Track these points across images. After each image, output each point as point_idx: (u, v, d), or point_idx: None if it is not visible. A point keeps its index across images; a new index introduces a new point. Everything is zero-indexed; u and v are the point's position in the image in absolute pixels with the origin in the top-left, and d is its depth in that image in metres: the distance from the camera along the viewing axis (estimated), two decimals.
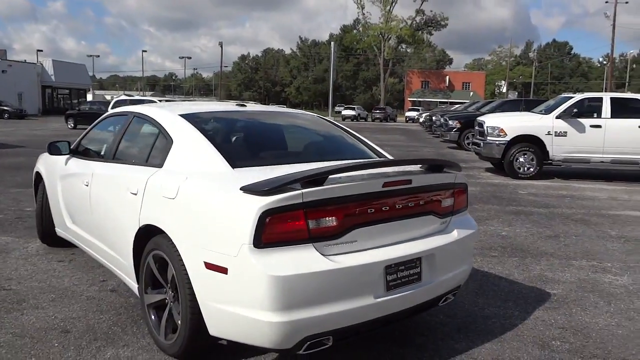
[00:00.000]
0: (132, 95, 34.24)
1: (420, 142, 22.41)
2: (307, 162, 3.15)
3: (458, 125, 17.84)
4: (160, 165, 3.19)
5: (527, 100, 20.18)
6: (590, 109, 11.29)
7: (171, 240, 2.84)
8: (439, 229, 3.09)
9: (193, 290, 2.71)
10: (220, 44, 49.90)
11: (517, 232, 6.40)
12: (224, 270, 2.51)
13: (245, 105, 4.08)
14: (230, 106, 3.97)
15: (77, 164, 4.27)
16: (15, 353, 3.03)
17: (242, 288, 2.46)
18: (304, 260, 2.45)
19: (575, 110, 11.12)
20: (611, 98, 11.38)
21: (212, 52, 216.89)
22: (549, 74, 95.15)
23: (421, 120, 32.22)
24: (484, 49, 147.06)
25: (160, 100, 21.56)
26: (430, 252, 2.90)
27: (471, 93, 69.17)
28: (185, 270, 2.74)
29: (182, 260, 2.75)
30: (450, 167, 3.17)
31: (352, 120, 50.03)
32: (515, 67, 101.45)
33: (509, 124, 11.44)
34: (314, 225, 2.49)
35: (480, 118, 12.61)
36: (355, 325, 2.63)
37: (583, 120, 11.10)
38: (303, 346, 2.51)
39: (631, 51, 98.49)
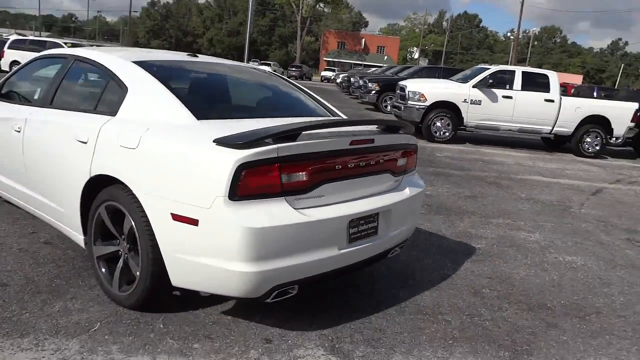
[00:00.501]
0: (25, 35, 31.30)
1: (339, 103, 22.63)
2: (269, 117, 3.16)
3: (377, 88, 18.22)
4: (112, 114, 3.04)
5: (444, 68, 20.94)
6: (503, 80, 12.01)
7: (130, 191, 2.76)
8: (393, 186, 3.24)
9: (156, 242, 2.67)
10: None
11: (440, 192, 6.79)
12: (193, 222, 2.49)
13: (197, 56, 3.94)
14: (181, 56, 3.81)
15: (7, 109, 3.93)
16: None
17: (213, 239, 2.46)
18: (277, 213, 2.49)
19: (490, 80, 11.79)
20: (522, 72, 12.16)
21: None
22: (459, 44, 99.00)
23: (338, 80, 32.43)
24: (398, 15, 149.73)
25: (66, 44, 19.90)
26: (387, 208, 3.05)
27: (385, 57, 70.44)
28: (147, 221, 2.68)
29: (143, 211, 2.69)
30: (405, 129, 3.31)
31: None
32: (428, 35, 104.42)
33: (430, 90, 11.90)
34: (287, 180, 2.54)
35: (402, 82, 12.98)
36: (319, 275, 2.74)
37: (496, 91, 11.80)
38: (271, 295, 2.59)
39: (534, 29, 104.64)
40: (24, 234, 3.98)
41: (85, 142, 3.02)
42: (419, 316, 3.25)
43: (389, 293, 3.53)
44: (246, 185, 2.42)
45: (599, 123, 11.98)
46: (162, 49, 69.34)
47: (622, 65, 75.49)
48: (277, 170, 2.49)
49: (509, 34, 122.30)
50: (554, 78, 12.06)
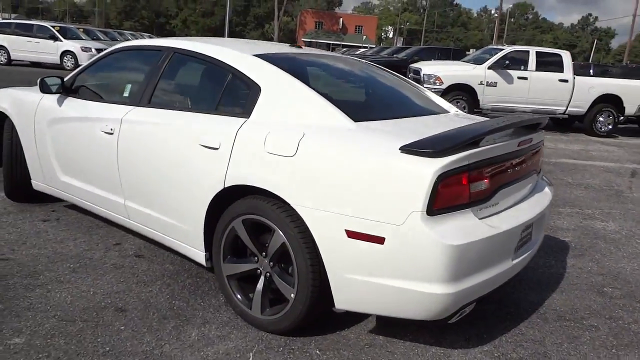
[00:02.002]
0: None
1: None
2: (408, 116, 2.91)
3: None
4: (244, 116, 2.73)
5: (442, 48, 20.74)
6: (518, 61, 11.85)
7: (281, 204, 2.48)
8: (538, 186, 3.04)
9: (318, 261, 2.41)
10: None
11: None
12: (378, 240, 2.23)
13: (302, 47, 3.62)
14: (285, 48, 3.48)
15: (85, 107, 3.56)
16: (79, 343, 2.52)
17: (403, 259, 2.21)
18: (469, 227, 2.26)
19: (506, 62, 11.62)
20: (536, 52, 12.02)
21: None
22: (436, 23, 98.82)
23: None
24: None
25: (54, 27, 18.95)
26: (543, 212, 2.85)
27: (364, 37, 69.85)
28: (307, 238, 2.42)
29: (301, 226, 2.42)
30: (543, 124, 3.10)
31: None
32: (402, 13, 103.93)
33: (446, 72, 11.68)
34: (473, 189, 2.30)
35: (415, 65, 12.74)
36: (493, 289, 2.52)
37: (512, 72, 11.66)
38: (455, 315, 2.36)
39: (509, 6, 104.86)
40: (109, 247, 3.65)
41: (216, 148, 2.70)
42: (565, 323, 3.06)
43: (518, 298, 3.34)
44: (442, 198, 2.18)
45: (611, 102, 11.97)
46: (134, 30, 67.45)
47: (595, 40, 76.42)
48: (466, 179, 2.26)
49: (480, 12, 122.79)
50: (567, 58, 11.98)
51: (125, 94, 3.49)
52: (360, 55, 24.57)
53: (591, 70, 14.35)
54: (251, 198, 2.63)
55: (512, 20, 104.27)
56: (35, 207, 4.33)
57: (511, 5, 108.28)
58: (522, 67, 11.80)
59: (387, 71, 3.81)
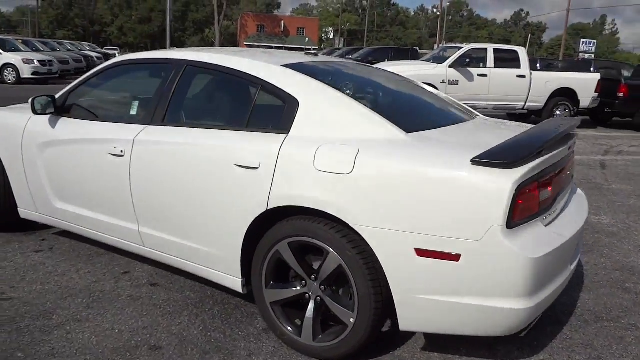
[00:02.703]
0: None
1: None
2: (453, 123, 2.85)
3: None
4: (283, 131, 2.55)
5: (395, 48, 20.99)
6: (477, 59, 12.11)
7: (333, 223, 2.34)
8: (574, 190, 3.03)
9: (381, 283, 2.29)
10: None
11: None
12: (452, 257, 2.12)
13: (317, 55, 3.47)
14: (306, 57, 3.31)
15: (84, 128, 3.27)
16: None
17: (481, 276, 2.11)
18: (542, 237, 2.21)
19: (467, 60, 11.84)
20: (494, 49, 12.31)
21: None
22: (375, 23, 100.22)
23: None
24: None
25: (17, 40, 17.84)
26: (589, 212, 2.84)
27: (307, 39, 69.80)
28: (368, 259, 2.28)
29: (360, 247, 2.29)
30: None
31: None
32: (342, 14, 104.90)
33: (410, 72, 11.73)
34: (542, 198, 2.24)
35: (378, 66, 12.76)
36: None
37: (472, 70, 11.89)
38: (527, 329, 2.29)
39: (447, 3, 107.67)
40: (118, 276, 3.37)
41: (256, 168, 2.51)
42: (605, 323, 3.06)
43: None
44: (520, 210, 2.10)
45: (566, 95, 12.42)
46: (69, 39, 64.95)
47: (529, 35, 79.77)
48: (536, 188, 2.19)
49: (417, 10, 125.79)
50: (523, 54, 12.33)
51: (133, 112, 3.23)
52: None
53: (538, 65, 14.88)
54: (298, 219, 2.46)
55: (450, 17, 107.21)
56: (22, 237, 3.97)
57: (448, 3, 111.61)
58: (482, 65, 12.06)
59: (405, 78, 3.72)
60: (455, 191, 2.11)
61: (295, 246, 2.49)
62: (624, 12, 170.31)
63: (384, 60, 16.92)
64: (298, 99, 2.58)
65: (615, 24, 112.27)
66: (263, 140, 2.55)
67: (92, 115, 3.46)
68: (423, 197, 2.16)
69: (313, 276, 2.51)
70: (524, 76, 12.11)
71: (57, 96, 3.49)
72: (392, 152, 2.28)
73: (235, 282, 2.74)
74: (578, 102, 12.46)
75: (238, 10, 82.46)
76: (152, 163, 2.90)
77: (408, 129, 2.43)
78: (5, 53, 17.61)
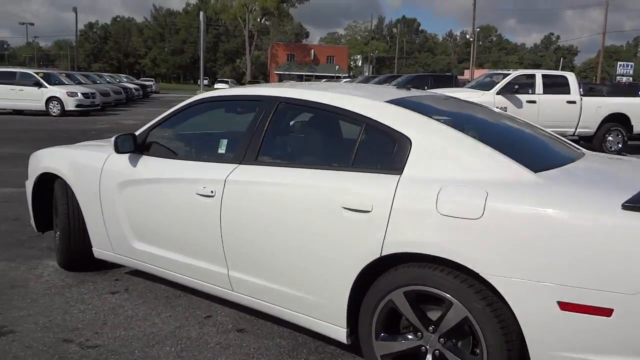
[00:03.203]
0: None
1: None
2: (571, 161, 2.66)
3: None
4: (395, 171, 2.39)
5: (434, 75, 20.88)
6: (525, 85, 11.86)
7: (457, 272, 2.15)
8: None
9: (515, 337, 2.08)
10: (75, 9, 44.37)
11: None
12: (603, 312, 1.90)
13: (410, 89, 3.33)
14: (400, 91, 3.16)
15: (169, 167, 3.17)
16: None
17: (637, 332, 1.89)
18: None
19: (515, 86, 11.61)
20: (542, 75, 12.06)
21: (46, 18, 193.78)
22: (404, 50, 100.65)
23: None
24: (334, 24, 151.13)
25: (38, 74, 18.37)
26: None
27: (337, 67, 70.68)
28: (500, 311, 2.08)
29: (494, 298, 2.09)
30: None
31: None
32: (370, 41, 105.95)
33: None
34: None
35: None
36: None
37: (520, 96, 11.64)
38: None
39: (477, 28, 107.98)
40: (201, 321, 3.22)
41: (367, 211, 2.35)
42: None
43: None
44: None
45: (618, 121, 12.03)
46: (104, 71, 67.10)
47: (562, 59, 78.98)
48: None
49: (445, 36, 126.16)
50: (573, 79, 12.04)
51: (221, 150, 3.12)
52: None
53: (580, 90, 14.52)
54: (416, 266, 2.27)
55: (479, 43, 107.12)
56: (94, 277, 3.88)
57: (478, 29, 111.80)
58: (530, 91, 11.80)
59: (501, 112, 3.55)
60: (607, 239, 1.90)
61: (412, 295, 2.30)
62: None
63: (424, 88, 16.79)
64: (410, 137, 2.42)
65: None
66: (374, 181, 2.39)
67: (175, 153, 3.37)
68: (567, 245, 1.95)
69: (431, 327, 2.31)
70: (574, 102, 11.79)
71: (137, 134, 3.42)
72: (527, 195, 2.08)
73: (338, 331, 2.56)
74: (631, 127, 12.05)
75: (267, 40, 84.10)
76: (247, 204, 2.76)
77: (534, 169, 2.24)
78: (51, 86, 18.11)
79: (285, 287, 2.70)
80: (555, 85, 11.94)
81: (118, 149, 3.27)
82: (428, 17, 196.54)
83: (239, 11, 67.96)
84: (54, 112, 17.89)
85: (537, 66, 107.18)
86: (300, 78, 65.04)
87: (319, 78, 59.38)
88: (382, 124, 2.52)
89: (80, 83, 20.91)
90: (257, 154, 2.86)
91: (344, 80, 32.47)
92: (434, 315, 2.31)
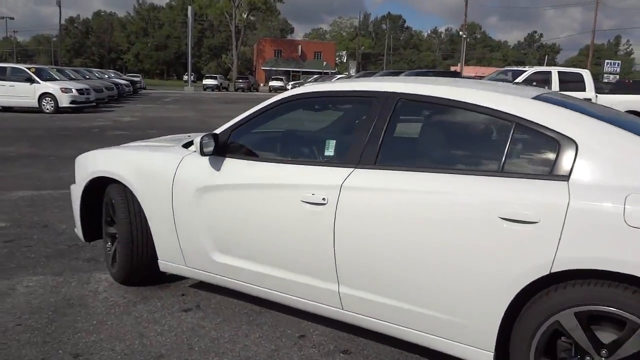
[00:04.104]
0: None
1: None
2: None
3: None
4: (558, 177, 2.09)
5: (438, 72, 20.68)
6: (541, 82, 11.71)
7: None
8: None
9: None
10: (58, 3, 43.12)
11: None
12: None
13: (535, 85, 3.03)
14: (532, 88, 2.86)
15: (262, 171, 2.82)
16: None
17: None
18: None
19: (532, 83, 11.43)
20: (558, 72, 11.93)
21: (23, 13, 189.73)
22: (391, 46, 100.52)
23: None
24: (316, 20, 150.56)
25: (29, 69, 17.68)
26: None
27: (325, 63, 70.23)
28: None
29: None
30: None
31: (212, 90, 47.56)
32: (355, 37, 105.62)
33: None
34: None
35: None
36: None
37: None
38: None
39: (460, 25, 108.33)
40: (297, 342, 2.89)
41: (534, 222, 2.05)
42: None
43: None
44: None
45: None
46: (85, 66, 65.78)
47: (546, 56, 79.63)
48: None
49: (430, 33, 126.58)
50: (588, 76, 11.92)
51: (329, 152, 2.79)
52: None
53: None
54: (594, 284, 1.99)
55: (459, 39, 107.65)
56: (157, 292, 3.52)
57: (460, 25, 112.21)
58: (546, 87, 11.61)
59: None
60: None
61: (585, 316, 2.02)
62: (634, 32, 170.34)
63: None
64: (574, 139, 2.12)
65: (630, 44, 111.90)
66: (538, 188, 2.09)
67: (266, 155, 3.02)
68: None
69: (603, 351, 2.02)
70: (589, 99, 11.64)
71: (218, 133, 3.06)
72: None
73: (482, 355, 2.26)
74: None
75: (253, 35, 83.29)
76: (369, 213, 2.43)
77: None
78: (43, 82, 17.47)
79: (416, 306, 2.38)
80: (571, 82, 11.80)
81: (203, 151, 2.91)
82: (412, 13, 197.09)
83: (226, 6, 67.04)
84: (48, 109, 17.26)
85: (521, 63, 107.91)
86: (287, 74, 64.52)
87: (307, 74, 58.98)
88: (537, 124, 2.21)
89: (72, 79, 20.25)
90: (377, 156, 2.53)
91: (338, 76, 32.14)
92: (606, 337, 2.03)
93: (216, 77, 51.11)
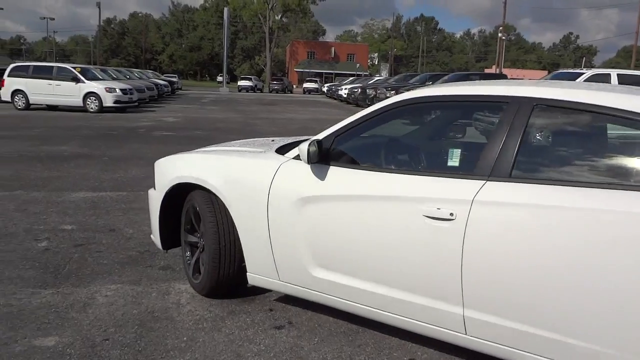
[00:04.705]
0: None
1: None
2: None
3: None
4: None
5: (481, 74, 20.23)
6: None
7: None
8: None
9: None
10: (98, 4, 43.94)
11: None
12: None
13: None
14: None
15: (375, 181, 2.58)
16: None
17: None
18: None
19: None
20: (617, 74, 11.39)
21: (62, 14, 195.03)
22: (421, 48, 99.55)
23: (342, 92, 31.30)
24: (347, 22, 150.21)
25: (75, 68, 17.93)
26: None
27: (357, 65, 69.94)
28: None
29: None
30: None
31: (247, 92, 47.79)
32: (387, 39, 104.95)
33: None
34: None
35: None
36: None
37: None
38: None
39: (494, 28, 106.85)
40: None
41: None
42: None
43: None
44: None
45: None
46: (121, 67, 66.98)
47: (583, 58, 77.62)
48: None
49: (463, 35, 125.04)
50: None
51: (453, 162, 2.54)
52: (390, 83, 23.96)
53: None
54: None
55: (493, 40, 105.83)
56: (243, 306, 3.31)
57: (494, 27, 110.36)
58: None
59: None
60: None
61: None
62: None
63: None
64: None
65: None
66: None
67: (378, 164, 2.79)
68: None
69: None
70: None
71: (321, 139, 2.84)
72: None
73: None
74: None
75: (285, 37, 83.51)
76: (511, 231, 2.17)
77: None
78: (88, 82, 17.67)
79: (569, 337, 2.10)
80: (632, 85, 11.24)
81: (310, 159, 2.69)
82: (445, 15, 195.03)
83: (260, 8, 67.32)
84: (92, 108, 17.44)
85: (556, 65, 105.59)
86: (320, 76, 64.41)
87: (340, 76, 58.67)
88: None
89: (114, 79, 20.46)
90: (512, 167, 2.27)
91: (377, 78, 31.80)
92: None
93: (251, 78, 51.30)
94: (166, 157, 3.67)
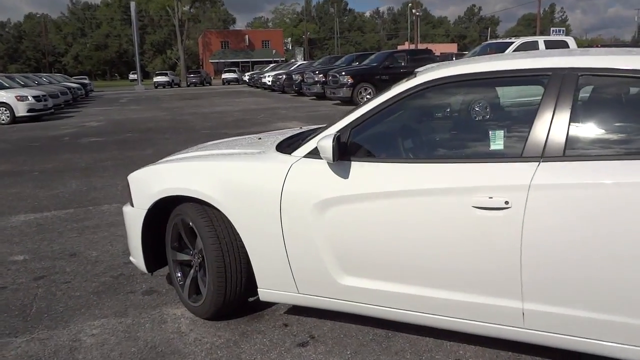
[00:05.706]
0: None
1: (294, 103, 21.17)
2: None
3: (350, 81, 17.13)
4: None
5: (410, 51, 20.37)
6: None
7: None
8: None
9: None
10: None
11: None
12: None
13: None
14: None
15: (408, 173, 2.34)
16: None
17: None
18: None
19: None
20: (544, 41, 11.81)
21: None
22: (334, 30, 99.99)
23: (266, 80, 30.65)
24: (255, 8, 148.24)
25: None
26: None
27: (274, 51, 69.12)
28: None
29: None
30: None
31: (164, 87, 45.96)
32: (299, 23, 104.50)
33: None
34: None
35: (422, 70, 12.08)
36: None
37: None
38: None
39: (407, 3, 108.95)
40: None
41: None
42: None
43: None
44: None
45: None
46: (21, 72, 62.25)
47: (489, 28, 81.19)
48: None
49: (372, 14, 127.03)
50: (573, 43, 11.89)
51: (496, 145, 2.33)
52: (306, 67, 23.72)
53: None
54: None
55: (402, 17, 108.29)
56: (254, 325, 2.99)
57: (401, 5, 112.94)
58: None
59: None
60: None
61: None
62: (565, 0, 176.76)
63: (401, 64, 16.35)
64: None
65: (565, 12, 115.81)
66: None
67: (408, 155, 2.54)
68: None
69: None
70: None
71: (337, 133, 2.55)
72: None
73: None
74: None
75: (196, 28, 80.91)
76: (576, 215, 2.01)
77: None
78: None
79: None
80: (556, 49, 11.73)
81: (335, 156, 2.40)
82: None
83: (167, 0, 64.60)
84: (3, 120, 15.94)
85: (464, 37, 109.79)
86: (237, 65, 63.12)
87: (258, 64, 57.69)
88: None
89: (23, 86, 18.85)
90: (565, 145, 2.11)
91: (299, 63, 31.49)
92: None
93: (167, 73, 49.38)
94: (141, 169, 3.26)
